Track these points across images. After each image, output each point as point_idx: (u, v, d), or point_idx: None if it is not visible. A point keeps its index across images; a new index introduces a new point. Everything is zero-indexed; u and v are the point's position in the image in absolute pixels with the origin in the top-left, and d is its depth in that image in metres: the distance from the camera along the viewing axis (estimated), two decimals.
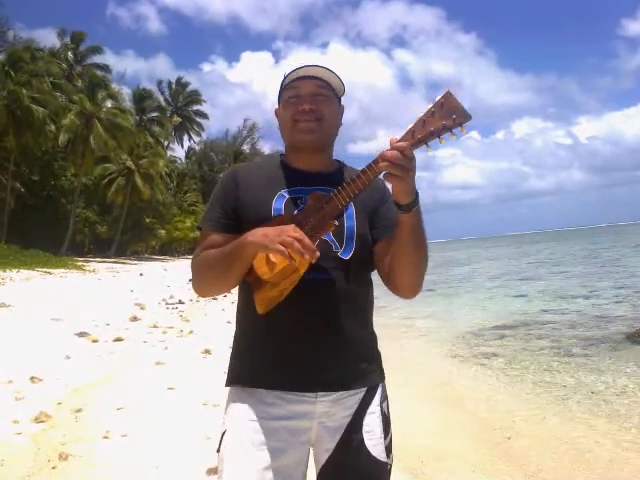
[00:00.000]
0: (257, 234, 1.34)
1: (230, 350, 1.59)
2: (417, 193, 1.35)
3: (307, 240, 1.27)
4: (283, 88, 1.55)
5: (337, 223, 1.36)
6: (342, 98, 1.60)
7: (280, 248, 1.27)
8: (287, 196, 1.50)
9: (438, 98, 1.26)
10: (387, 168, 1.27)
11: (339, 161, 1.65)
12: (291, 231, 1.29)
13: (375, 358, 1.58)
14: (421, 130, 1.27)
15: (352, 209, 1.49)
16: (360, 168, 1.35)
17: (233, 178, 1.56)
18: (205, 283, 1.53)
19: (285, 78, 1.54)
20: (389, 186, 1.34)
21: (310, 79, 1.51)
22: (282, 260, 1.31)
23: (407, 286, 1.50)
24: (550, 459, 3.89)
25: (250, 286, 1.45)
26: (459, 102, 1.25)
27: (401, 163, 1.26)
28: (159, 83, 58.38)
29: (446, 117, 1.25)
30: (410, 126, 1.28)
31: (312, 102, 1.49)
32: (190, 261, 1.57)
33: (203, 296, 1.61)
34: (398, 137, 1.29)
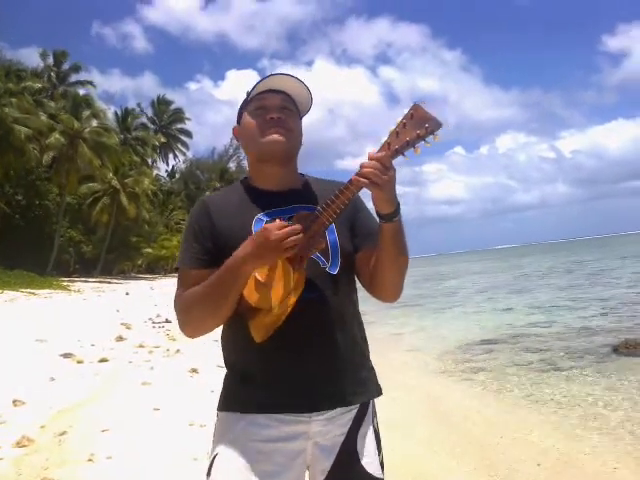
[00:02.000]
0: (245, 247, 1.32)
1: (217, 369, 1.57)
2: (398, 203, 1.38)
3: (297, 226, 1.28)
4: (248, 101, 1.54)
5: (324, 240, 1.37)
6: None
7: (279, 245, 1.27)
8: (265, 219, 1.47)
9: (407, 111, 1.31)
10: (369, 176, 1.29)
11: (303, 175, 1.64)
12: (275, 226, 1.28)
13: (370, 370, 1.57)
14: (396, 141, 1.31)
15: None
16: (336, 180, 1.37)
17: (205, 210, 1.52)
18: (196, 321, 1.45)
19: (252, 90, 1.52)
20: (366, 194, 1.37)
21: (276, 93, 1.51)
22: (277, 271, 1.31)
23: (389, 291, 1.52)
24: (539, 473, 3.88)
25: (240, 316, 1.41)
26: (428, 112, 1.31)
27: (381, 172, 1.29)
28: (139, 105, 57.71)
29: (419, 127, 1.30)
30: (385, 139, 1.32)
31: (280, 112, 1.49)
32: (172, 303, 1.49)
33: (194, 336, 1.50)
34: (375, 150, 1.32)
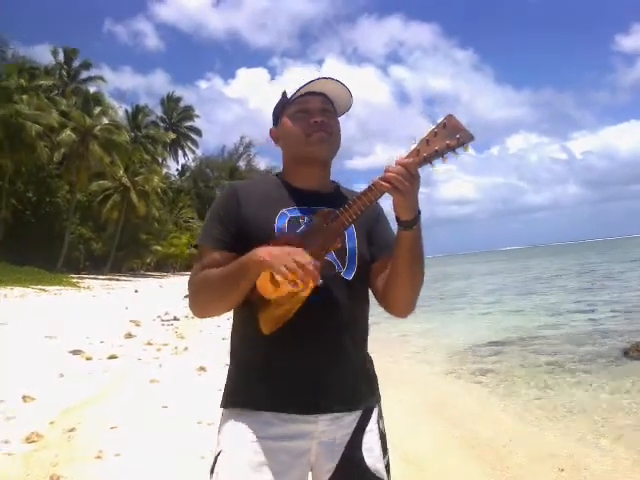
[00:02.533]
0: (262, 252, 1.32)
1: (226, 367, 1.57)
2: (419, 211, 1.37)
3: (311, 267, 1.26)
4: (289, 103, 1.53)
5: (340, 239, 1.38)
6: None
7: (284, 271, 1.26)
8: (289, 215, 1.48)
9: (440, 120, 1.31)
10: (392, 181, 1.29)
11: (334, 182, 1.65)
12: (298, 255, 1.27)
13: (373, 379, 1.58)
14: (426, 149, 1.31)
15: (352, 229, 1.48)
16: (357, 185, 1.38)
17: (234, 195, 1.53)
18: (205, 303, 1.48)
19: (293, 94, 1.52)
20: (390, 201, 1.36)
21: (317, 95, 1.51)
22: (285, 282, 1.30)
23: (402, 305, 1.50)
24: (547, 476, 3.86)
25: (251, 306, 1.42)
26: (461, 123, 1.30)
27: (406, 178, 1.28)
28: (146, 106, 56.91)
29: (450, 137, 1.29)
30: (414, 145, 1.32)
31: (323, 116, 1.50)
32: (188, 278, 1.52)
33: (201, 317, 1.56)
34: (404, 155, 1.32)
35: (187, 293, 1.52)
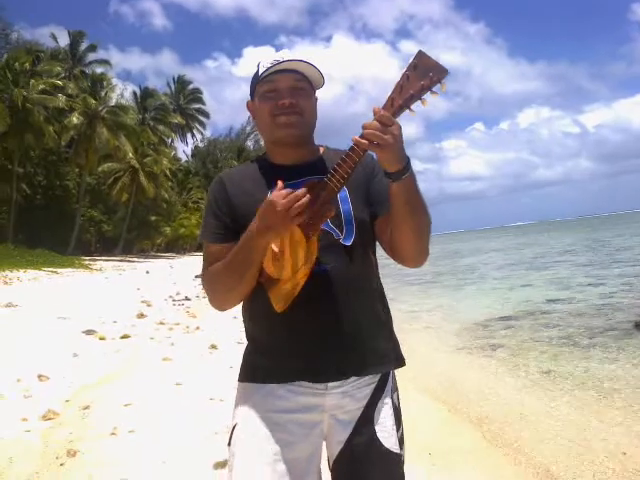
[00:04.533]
0: (255, 220, 1.33)
1: (237, 345, 1.59)
2: (408, 160, 1.33)
3: (292, 195, 1.26)
4: (258, 81, 1.50)
5: (334, 206, 1.36)
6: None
7: (287, 216, 1.26)
8: None
9: (411, 60, 1.24)
10: (369, 138, 1.25)
11: (321, 145, 1.62)
12: (279, 197, 1.27)
13: (390, 341, 1.56)
14: (400, 95, 1.25)
15: (345, 192, 1.46)
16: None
17: (222, 186, 1.55)
18: (220, 295, 1.51)
19: (262, 71, 1.48)
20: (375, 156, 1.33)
21: (288, 72, 1.47)
22: (290, 244, 1.30)
23: (412, 255, 1.49)
24: (559, 451, 3.86)
25: (257, 285, 1.44)
26: (432, 59, 1.23)
27: (383, 132, 1.24)
28: (154, 91, 56.10)
29: (423, 77, 1.23)
30: (389, 94, 1.27)
31: (291, 96, 1.46)
32: (198, 259, 1.54)
33: (223, 309, 1.55)
34: (380, 106, 1.27)
35: (197, 273, 1.54)
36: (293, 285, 1.37)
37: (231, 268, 1.41)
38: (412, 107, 1.26)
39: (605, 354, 6.72)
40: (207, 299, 1.54)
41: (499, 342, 7.98)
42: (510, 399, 5.21)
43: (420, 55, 1.23)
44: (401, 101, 1.25)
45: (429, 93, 1.24)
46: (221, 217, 1.51)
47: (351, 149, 1.29)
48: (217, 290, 1.50)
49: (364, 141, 1.25)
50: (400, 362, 1.57)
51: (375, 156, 1.33)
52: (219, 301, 1.52)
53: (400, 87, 1.25)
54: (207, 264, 1.51)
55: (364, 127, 1.25)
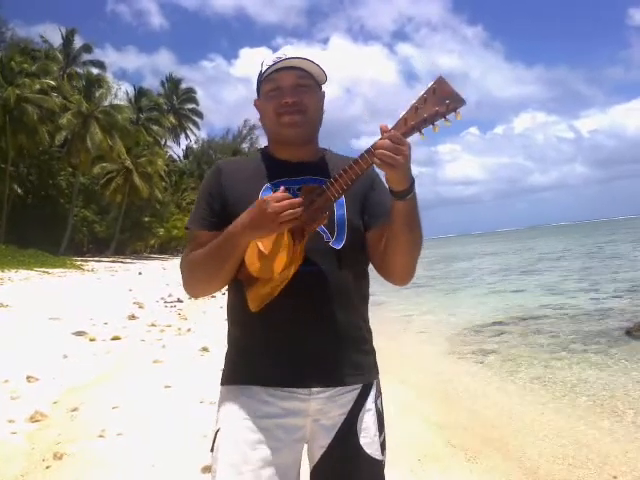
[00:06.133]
0: (244, 216, 1.32)
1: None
2: (413, 180, 1.33)
3: (287, 201, 1.25)
4: (262, 79, 1.50)
5: (327, 214, 1.33)
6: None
7: (277, 220, 1.25)
8: (274, 188, 1.46)
9: (430, 84, 1.24)
10: (380, 157, 1.24)
11: (324, 149, 1.61)
12: (273, 200, 1.26)
13: (370, 353, 1.55)
14: (414, 117, 1.24)
15: (342, 197, 1.44)
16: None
17: (217, 174, 1.54)
18: (198, 282, 1.49)
19: (265, 70, 1.48)
20: (381, 173, 1.33)
21: (290, 70, 1.46)
22: (277, 244, 1.28)
23: (400, 273, 1.48)
24: (549, 456, 3.86)
25: (241, 284, 1.42)
26: (452, 87, 1.22)
27: (394, 152, 1.23)
28: (148, 91, 55.80)
29: (439, 103, 1.22)
30: (402, 113, 1.26)
31: (294, 94, 1.45)
32: (179, 262, 1.53)
33: (196, 296, 1.57)
34: (390, 125, 1.26)
35: (182, 278, 1.52)
36: (272, 287, 1.35)
37: (211, 257, 1.40)
38: (423, 130, 1.26)
39: (596, 360, 6.73)
40: (182, 283, 1.52)
41: (491, 347, 7.99)
42: (501, 404, 5.21)
43: (440, 81, 1.23)
44: (414, 123, 1.24)
45: (442, 120, 1.24)
46: (212, 204, 1.49)
47: (356, 162, 1.28)
48: (193, 276, 1.48)
49: (376, 159, 1.25)
50: (377, 373, 1.56)
51: (382, 173, 1.32)
52: (193, 287, 1.51)
53: (415, 109, 1.24)
54: (189, 249, 1.49)
55: (377, 147, 1.25)
